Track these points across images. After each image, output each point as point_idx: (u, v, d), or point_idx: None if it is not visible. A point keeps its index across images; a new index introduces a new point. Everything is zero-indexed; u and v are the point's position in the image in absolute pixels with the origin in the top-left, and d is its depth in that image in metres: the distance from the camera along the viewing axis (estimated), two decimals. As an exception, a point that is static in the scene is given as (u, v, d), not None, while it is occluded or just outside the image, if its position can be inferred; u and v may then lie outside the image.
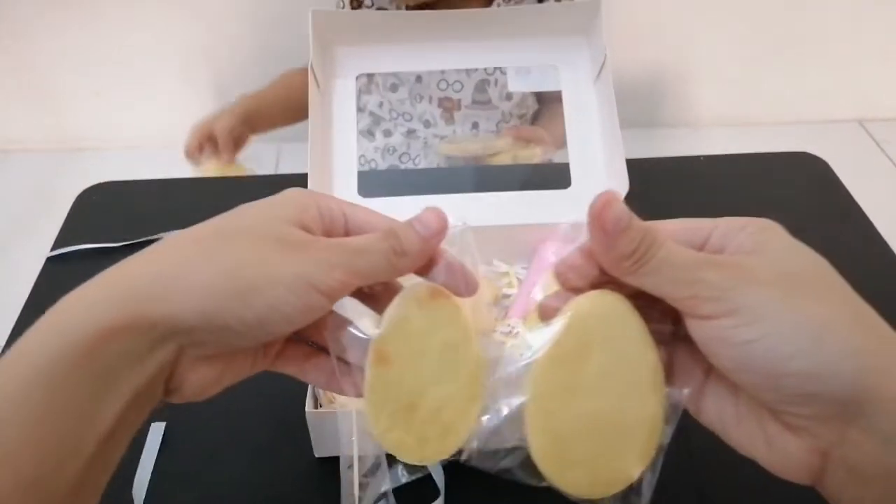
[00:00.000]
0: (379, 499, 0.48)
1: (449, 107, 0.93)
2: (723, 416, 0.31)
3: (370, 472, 0.47)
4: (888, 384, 0.26)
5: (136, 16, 1.65)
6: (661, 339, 0.32)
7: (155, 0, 1.63)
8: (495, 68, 0.85)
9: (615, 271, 0.30)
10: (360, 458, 0.47)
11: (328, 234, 0.33)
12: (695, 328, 0.29)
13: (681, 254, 0.29)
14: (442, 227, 0.32)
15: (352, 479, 0.46)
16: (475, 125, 0.94)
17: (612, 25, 0.62)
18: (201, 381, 0.31)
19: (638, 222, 0.29)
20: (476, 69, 0.82)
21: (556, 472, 0.32)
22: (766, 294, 0.27)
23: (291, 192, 0.34)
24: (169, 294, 0.28)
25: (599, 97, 0.65)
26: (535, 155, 0.80)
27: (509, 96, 0.92)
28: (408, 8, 0.88)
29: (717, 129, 1.88)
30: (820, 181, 0.79)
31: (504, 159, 0.75)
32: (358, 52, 0.66)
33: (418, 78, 0.90)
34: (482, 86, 0.91)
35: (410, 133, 0.98)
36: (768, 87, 1.82)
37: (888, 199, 1.10)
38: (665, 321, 0.32)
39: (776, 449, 0.29)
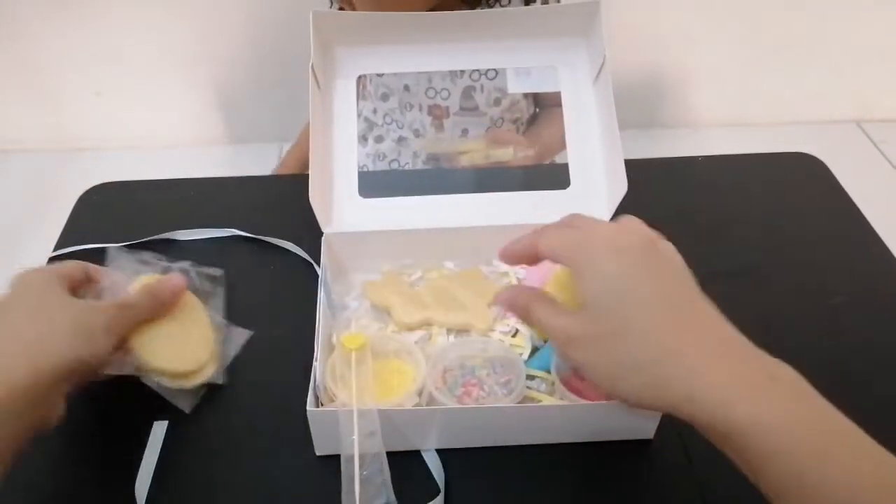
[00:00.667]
0: (378, 495, 0.48)
1: (438, 114, 0.94)
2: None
3: (370, 469, 0.48)
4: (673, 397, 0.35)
5: (137, 16, 1.65)
6: None
7: (155, 0, 1.63)
8: (481, 74, 0.86)
9: (523, 319, 0.45)
10: (360, 455, 0.47)
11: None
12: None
13: (547, 314, 0.41)
14: (178, 293, 0.56)
15: (352, 475, 0.47)
16: (465, 132, 0.95)
17: (611, 26, 0.62)
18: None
19: (515, 295, 0.44)
20: (462, 76, 0.83)
21: None
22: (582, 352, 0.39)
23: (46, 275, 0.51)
24: (27, 362, 0.44)
25: (598, 98, 0.65)
26: (508, 154, 0.80)
27: (497, 101, 0.93)
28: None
29: (715, 130, 1.88)
30: (818, 181, 0.80)
31: (476, 158, 0.75)
32: (358, 52, 0.66)
33: (406, 87, 0.91)
34: (468, 92, 0.92)
35: (401, 140, 0.99)
36: (766, 87, 1.82)
37: (886, 200, 1.11)
38: None
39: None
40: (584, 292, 0.38)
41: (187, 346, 0.55)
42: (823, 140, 1.33)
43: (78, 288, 0.52)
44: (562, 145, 0.98)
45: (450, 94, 0.90)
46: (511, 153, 0.80)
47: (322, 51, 0.65)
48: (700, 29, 1.73)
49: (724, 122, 1.88)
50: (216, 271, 0.64)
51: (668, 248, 0.40)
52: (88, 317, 0.48)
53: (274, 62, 1.69)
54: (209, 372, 0.56)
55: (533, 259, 0.43)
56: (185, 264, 0.62)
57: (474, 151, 0.75)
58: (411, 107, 0.92)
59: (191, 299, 0.58)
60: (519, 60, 0.68)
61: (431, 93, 0.90)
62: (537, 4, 0.95)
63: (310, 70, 0.61)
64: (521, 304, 0.43)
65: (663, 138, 1.84)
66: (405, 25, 0.65)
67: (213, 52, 1.72)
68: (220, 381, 0.57)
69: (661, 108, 1.87)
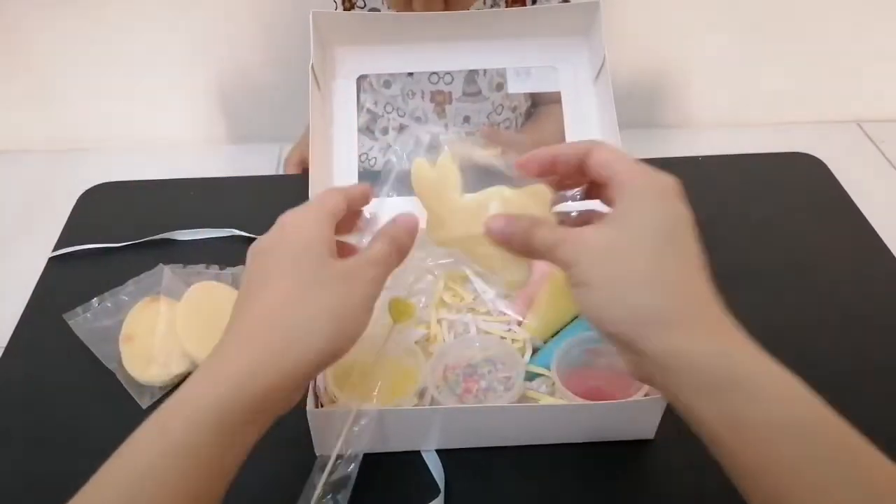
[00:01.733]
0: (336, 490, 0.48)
1: (441, 100, 0.94)
2: None
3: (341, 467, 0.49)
4: (656, 335, 0.35)
5: (137, 16, 1.65)
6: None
7: (155, 0, 1.63)
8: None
9: (520, 249, 0.41)
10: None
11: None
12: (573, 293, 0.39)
13: (546, 233, 0.39)
14: (414, 234, 0.44)
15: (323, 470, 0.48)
16: (466, 119, 0.95)
17: (611, 26, 0.62)
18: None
19: (518, 223, 0.41)
20: None
21: None
22: (598, 260, 0.37)
23: (324, 200, 0.42)
24: (284, 366, 0.36)
25: (598, 97, 0.65)
26: (492, 155, 0.80)
27: (499, 86, 0.93)
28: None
29: (715, 130, 1.88)
30: (818, 181, 0.80)
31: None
32: (358, 52, 0.66)
33: (410, 73, 0.91)
34: (472, 77, 0.92)
35: (403, 129, 0.99)
36: (767, 87, 1.82)
37: (885, 200, 1.10)
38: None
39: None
40: (627, 210, 0.37)
41: None
42: (824, 140, 1.33)
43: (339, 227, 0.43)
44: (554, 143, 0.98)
45: (453, 79, 0.90)
46: (495, 154, 0.81)
47: (322, 51, 0.65)
48: (700, 28, 1.73)
49: (724, 122, 1.88)
50: None
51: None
52: (350, 289, 0.38)
53: (274, 62, 1.68)
54: None
55: (551, 170, 0.42)
56: (238, 268, 0.66)
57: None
58: (413, 94, 0.92)
59: (229, 293, 0.62)
60: (519, 60, 0.68)
61: (434, 78, 0.90)
62: (536, 4, 0.95)
63: (310, 70, 0.61)
64: (519, 229, 0.40)
65: (663, 138, 1.83)
66: (405, 25, 0.65)
67: (213, 52, 1.72)
68: None
69: (661, 108, 1.87)
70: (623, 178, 0.38)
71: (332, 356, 0.37)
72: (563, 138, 0.67)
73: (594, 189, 0.42)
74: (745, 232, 0.72)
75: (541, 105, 1.00)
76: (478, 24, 0.65)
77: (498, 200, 0.42)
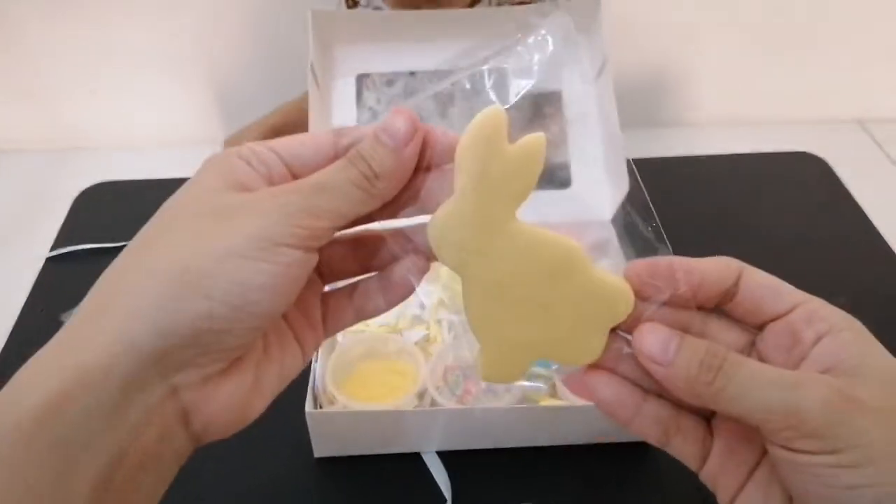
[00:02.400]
0: None
1: (444, 100, 0.94)
2: None
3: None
4: None
5: (136, 15, 1.64)
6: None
7: (155, 0, 1.63)
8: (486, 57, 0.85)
9: (693, 399, 0.26)
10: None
11: (273, 184, 0.27)
12: (782, 457, 0.24)
13: (769, 372, 0.24)
14: (412, 130, 0.28)
15: None
16: (470, 119, 0.95)
17: (612, 25, 0.62)
18: (232, 402, 0.26)
19: (692, 339, 0.25)
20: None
21: None
22: (881, 432, 0.23)
23: (210, 159, 0.28)
24: (110, 332, 0.23)
25: (600, 97, 0.65)
26: None
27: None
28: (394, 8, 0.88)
29: (717, 129, 1.87)
30: (820, 181, 0.79)
31: None
32: (358, 51, 0.66)
33: (412, 72, 0.91)
34: (474, 77, 0.92)
35: None
36: (768, 86, 1.82)
37: (888, 199, 1.10)
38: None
39: None
40: (860, 353, 0.25)
41: None
42: (826, 139, 1.32)
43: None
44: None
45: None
46: None
47: (321, 50, 0.64)
48: (702, 27, 1.73)
49: (725, 121, 1.87)
50: None
51: None
52: (222, 229, 0.24)
53: (274, 62, 1.68)
54: None
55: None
56: None
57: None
58: (415, 93, 0.92)
59: None
60: (519, 60, 0.67)
61: (437, 78, 0.90)
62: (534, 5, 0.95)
63: (309, 69, 0.61)
64: (711, 358, 0.25)
65: (664, 137, 1.83)
66: (405, 25, 0.64)
67: (212, 51, 1.71)
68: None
69: (663, 107, 1.87)
70: (817, 310, 0.27)
71: (178, 328, 0.23)
72: (563, 138, 0.67)
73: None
74: (746, 231, 0.72)
75: (536, 110, 1.00)
76: (478, 22, 0.65)
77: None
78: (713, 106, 1.87)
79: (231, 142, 1.06)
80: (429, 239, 0.27)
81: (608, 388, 0.28)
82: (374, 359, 0.55)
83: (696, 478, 0.51)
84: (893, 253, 0.69)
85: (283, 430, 0.53)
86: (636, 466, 0.52)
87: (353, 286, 0.30)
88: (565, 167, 0.65)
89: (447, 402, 0.51)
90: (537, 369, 0.54)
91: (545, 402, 0.53)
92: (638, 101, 1.81)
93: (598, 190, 0.64)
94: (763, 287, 0.27)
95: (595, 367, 0.28)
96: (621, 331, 0.27)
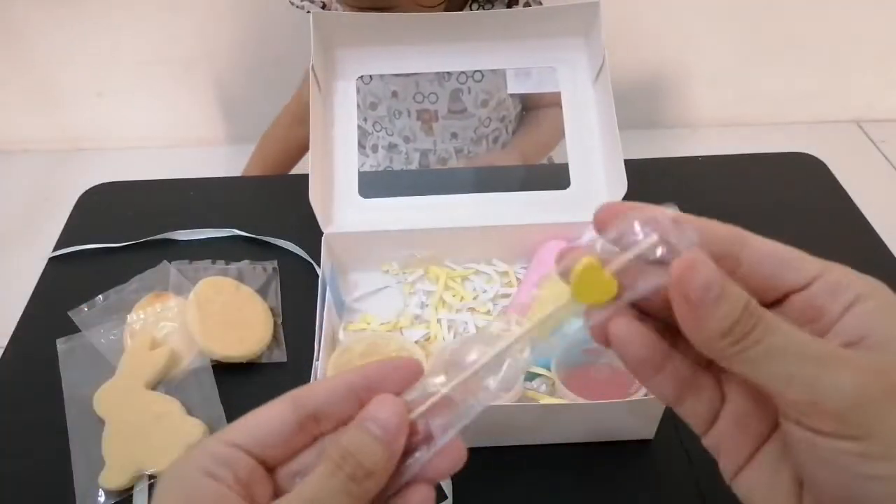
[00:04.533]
0: None
1: (427, 118, 0.94)
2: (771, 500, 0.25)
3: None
4: None
5: (137, 16, 1.65)
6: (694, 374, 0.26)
7: (155, 0, 1.63)
8: (468, 77, 0.86)
9: (707, 350, 0.23)
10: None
11: (242, 485, 0.25)
12: (798, 436, 0.23)
13: (801, 342, 0.22)
14: (403, 421, 0.25)
15: None
16: (454, 135, 0.95)
17: (610, 26, 0.62)
18: None
19: (735, 290, 0.23)
20: (449, 78, 0.83)
21: None
22: None
23: (170, 476, 0.26)
24: None
25: (598, 98, 0.65)
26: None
27: (485, 103, 0.93)
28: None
29: (714, 130, 1.88)
30: (817, 181, 0.80)
31: None
32: (359, 53, 0.66)
33: (394, 93, 0.91)
34: (456, 95, 0.92)
35: (392, 147, 1.00)
36: (766, 87, 1.82)
37: (885, 200, 1.10)
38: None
39: None
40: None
41: (252, 333, 0.60)
42: (823, 140, 1.33)
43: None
44: (546, 148, 0.98)
45: (438, 97, 0.91)
46: None
47: (322, 51, 0.65)
48: (700, 28, 1.73)
49: (723, 122, 1.88)
50: (271, 263, 0.67)
51: None
52: None
53: (274, 62, 1.68)
54: (272, 353, 0.60)
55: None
56: (244, 263, 0.67)
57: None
58: (400, 113, 0.93)
59: (246, 291, 0.63)
60: (519, 60, 0.68)
61: (419, 97, 0.91)
62: (533, 6, 0.96)
63: (310, 70, 0.61)
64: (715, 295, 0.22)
65: (663, 138, 1.84)
66: (405, 26, 0.65)
67: (213, 52, 1.72)
68: (283, 360, 0.60)
69: (661, 108, 1.87)
70: (840, 280, 0.25)
71: None
72: (547, 145, 0.68)
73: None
74: (744, 232, 0.72)
75: (531, 109, 1.00)
76: (478, 24, 0.65)
77: None
78: (711, 107, 1.88)
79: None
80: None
81: (641, 342, 0.25)
82: (374, 357, 0.55)
83: (694, 476, 0.51)
84: (891, 253, 0.70)
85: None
86: (636, 466, 0.53)
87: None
88: (564, 168, 0.66)
89: (447, 401, 0.52)
90: (537, 369, 0.55)
91: (545, 400, 0.54)
92: (637, 103, 1.82)
93: (597, 191, 0.65)
94: (772, 257, 0.25)
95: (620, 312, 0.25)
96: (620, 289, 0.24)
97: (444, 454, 0.27)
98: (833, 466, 0.22)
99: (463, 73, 0.89)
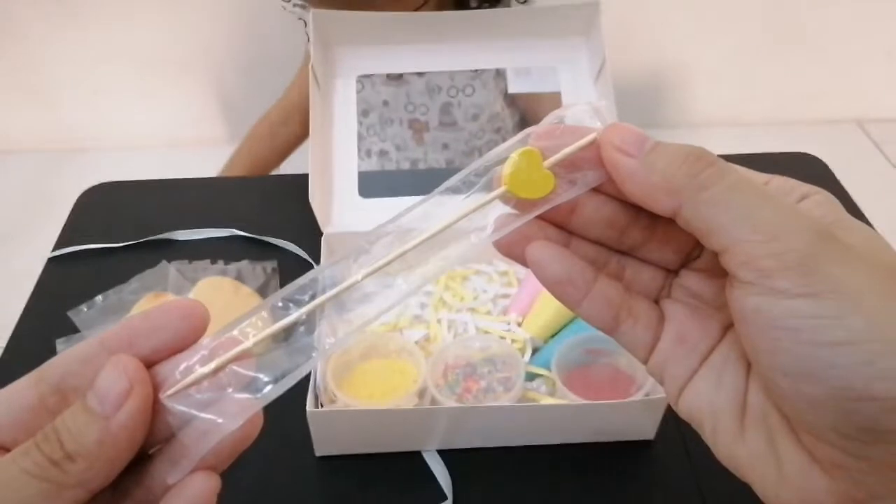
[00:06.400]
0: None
1: (418, 128, 0.94)
2: (717, 413, 0.24)
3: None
4: None
5: (136, 15, 1.65)
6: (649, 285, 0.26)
7: (155, 1, 1.63)
8: (458, 90, 0.86)
9: (653, 200, 0.22)
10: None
11: None
12: (745, 301, 0.21)
13: (760, 183, 0.22)
14: (128, 387, 0.20)
15: None
16: (445, 146, 0.95)
17: (610, 26, 0.62)
18: None
19: (674, 143, 0.23)
20: (439, 92, 0.83)
21: None
22: (871, 282, 0.19)
23: None
24: None
25: (599, 98, 0.65)
26: None
27: (475, 117, 0.93)
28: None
29: (715, 130, 1.88)
30: (818, 181, 0.79)
31: None
32: (358, 52, 0.66)
33: (385, 102, 0.91)
34: (446, 108, 0.92)
35: (383, 154, 1.00)
36: (767, 87, 1.82)
37: (886, 200, 1.10)
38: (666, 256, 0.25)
39: (788, 482, 0.22)
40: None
41: None
42: (824, 140, 1.33)
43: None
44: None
45: (428, 109, 0.91)
46: None
47: (322, 51, 0.65)
48: (700, 28, 1.73)
49: (724, 122, 1.88)
50: (270, 263, 0.67)
51: None
52: None
53: (274, 62, 1.68)
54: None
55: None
56: (243, 263, 0.66)
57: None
58: (391, 122, 0.93)
59: (245, 291, 0.63)
60: (519, 60, 0.67)
61: (410, 108, 0.91)
62: (535, 5, 0.95)
63: (310, 70, 0.61)
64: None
65: (663, 138, 1.83)
66: (405, 25, 0.64)
67: (212, 51, 1.72)
68: None
69: (662, 108, 1.87)
70: (788, 180, 0.26)
71: None
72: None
73: None
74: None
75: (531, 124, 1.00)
76: (479, 24, 0.65)
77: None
78: (712, 107, 1.88)
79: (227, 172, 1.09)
80: None
81: (559, 263, 0.24)
82: (374, 358, 0.55)
83: (694, 476, 0.51)
84: (891, 253, 0.70)
85: (284, 430, 0.54)
86: (636, 466, 0.53)
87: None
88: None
89: (447, 401, 0.52)
90: (537, 369, 0.55)
91: (545, 401, 0.53)
92: (637, 103, 1.82)
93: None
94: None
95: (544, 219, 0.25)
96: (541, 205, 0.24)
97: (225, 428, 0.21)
98: (793, 337, 0.20)
99: (454, 86, 0.89)
